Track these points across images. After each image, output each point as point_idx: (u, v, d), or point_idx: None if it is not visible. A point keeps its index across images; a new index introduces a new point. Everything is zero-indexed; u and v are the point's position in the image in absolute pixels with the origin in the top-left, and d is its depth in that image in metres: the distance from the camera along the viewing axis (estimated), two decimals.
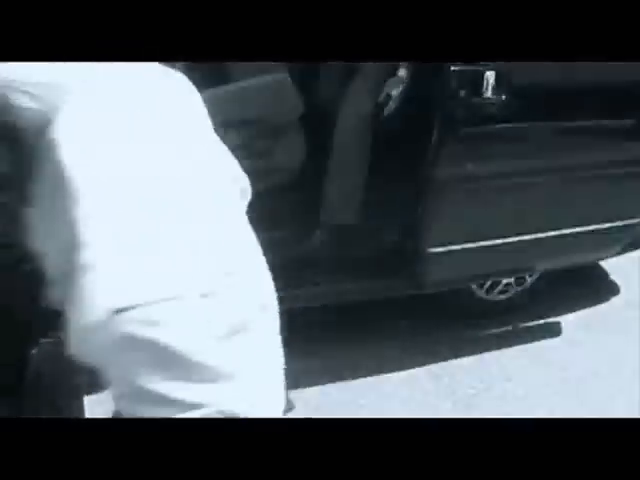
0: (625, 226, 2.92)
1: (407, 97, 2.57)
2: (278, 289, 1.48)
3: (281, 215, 2.67)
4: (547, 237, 2.77)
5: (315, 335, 2.78)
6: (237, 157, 1.76)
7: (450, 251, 2.59)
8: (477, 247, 2.64)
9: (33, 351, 2.11)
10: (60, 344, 2.12)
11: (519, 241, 2.72)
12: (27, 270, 1.97)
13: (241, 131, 2.62)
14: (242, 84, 2.70)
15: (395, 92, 2.64)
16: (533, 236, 2.74)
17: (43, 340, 2.11)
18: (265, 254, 1.37)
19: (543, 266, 2.99)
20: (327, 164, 2.73)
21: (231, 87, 2.77)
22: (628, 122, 2.79)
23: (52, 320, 2.08)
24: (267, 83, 2.67)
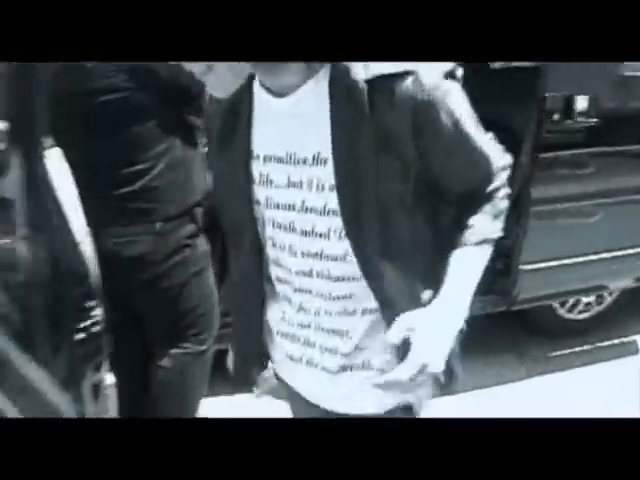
0: None
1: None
2: None
3: None
4: (624, 255, 2.89)
5: None
6: None
7: (539, 268, 2.71)
8: (563, 264, 2.76)
9: (162, 362, 2.21)
10: (188, 354, 2.23)
11: (600, 259, 2.84)
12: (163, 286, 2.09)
13: None
14: None
15: None
16: (612, 254, 2.86)
17: (173, 351, 2.21)
18: None
19: (619, 285, 3.10)
20: None
21: None
22: None
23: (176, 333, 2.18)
24: None
